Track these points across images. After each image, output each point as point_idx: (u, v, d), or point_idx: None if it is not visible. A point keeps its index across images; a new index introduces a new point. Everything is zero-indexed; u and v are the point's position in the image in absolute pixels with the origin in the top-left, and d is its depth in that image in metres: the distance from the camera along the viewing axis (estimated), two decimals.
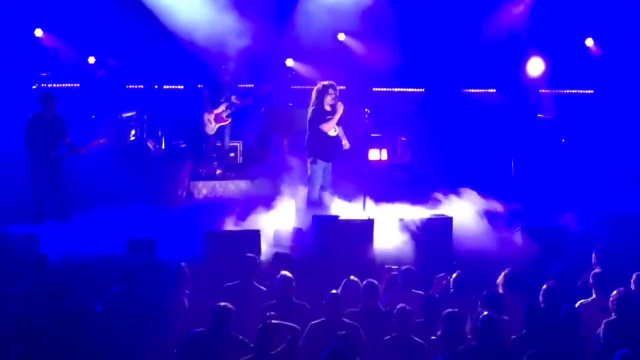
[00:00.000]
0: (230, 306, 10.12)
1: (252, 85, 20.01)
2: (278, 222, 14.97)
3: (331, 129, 15.24)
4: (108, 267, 12.85)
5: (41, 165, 15.40)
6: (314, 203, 15.34)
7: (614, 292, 10.73)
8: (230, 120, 18.54)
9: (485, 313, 9.88)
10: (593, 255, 12.73)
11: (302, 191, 15.65)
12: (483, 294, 10.93)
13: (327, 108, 15.25)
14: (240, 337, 10.03)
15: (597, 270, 11.92)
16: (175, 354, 10.11)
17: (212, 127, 18.35)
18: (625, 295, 10.71)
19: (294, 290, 11.27)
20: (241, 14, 19.01)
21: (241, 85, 19.42)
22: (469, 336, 10.10)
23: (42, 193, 15.56)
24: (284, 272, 11.30)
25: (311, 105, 15.39)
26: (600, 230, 14.97)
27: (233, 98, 18.43)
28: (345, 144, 15.51)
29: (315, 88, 15.44)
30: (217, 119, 18.40)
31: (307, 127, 15.48)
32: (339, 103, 15.22)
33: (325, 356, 8.87)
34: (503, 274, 11.71)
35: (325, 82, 15.39)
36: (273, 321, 9.85)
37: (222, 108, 18.37)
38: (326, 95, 15.25)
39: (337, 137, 15.40)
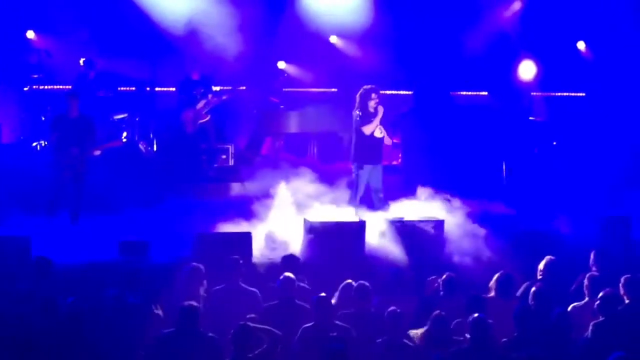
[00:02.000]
0: (197, 305, 10.16)
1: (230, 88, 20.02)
2: (270, 224, 14.96)
3: (373, 130, 15.42)
4: (100, 269, 12.82)
5: (65, 164, 15.37)
6: (356, 207, 15.43)
7: (600, 294, 10.77)
8: (209, 117, 18.63)
9: (476, 315, 9.89)
10: (591, 257, 12.73)
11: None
12: (466, 297, 10.97)
13: (371, 111, 15.45)
14: (210, 334, 10.04)
15: (593, 272, 11.97)
16: (143, 355, 10.10)
17: (192, 126, 18.46)
18: (611, 296, 10.74)
19: (296, 292, 11.28)
20: (233, 15, 19.08)
21: (216, 88, 19.50)
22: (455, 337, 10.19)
23: (61, 190, 15.52)
24: (287, 274, 11.32)
25: (355, 109, 15.56)
26: (592, 233, 15.02)
27: (210, 96, 18.56)
28: (387, 140, 15.68)
29: (359, 93, 15.64)
30: (197, 115, 18.52)
31: (353, 132, 15.63)
32: (380, 106, 15.44)
33: (326, 354, 8.94)
34: (495, 277, 11.74)
35: (368, 87, 15.65)
36: (249, 324, 9.87)
37: (201, 104, 18.52)
38: (370, 99, 15.47)
39: (381, 139, 15.57)
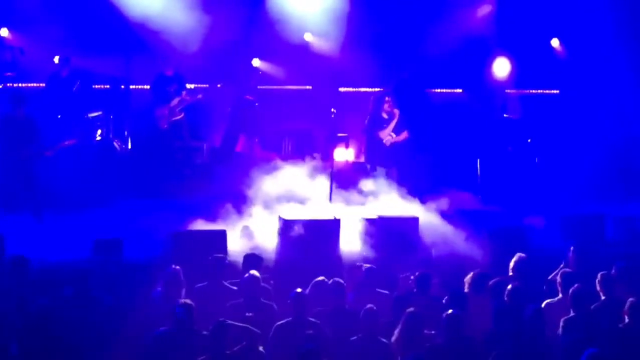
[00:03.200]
0: (191, 302, 10.15)
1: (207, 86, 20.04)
2: (245, 222, 14.95)
3: (387, 136, 15.39)
4: (73, 268, 12.76)
5: (12, 165, 15.31)
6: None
7: (570, 290, 10.84)
8: (183, 115, 18.67)
9: (450, 311, 9.93)
10: (569, 254, 12.78)
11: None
12: (448, 293, 11.00)
13: (384, 116, 15.42)
14: (205, 332, 10.06)
15: (565, 269, 12.03)
16: (141, 353, 10.09)
17: (166, 122, 18.50)
18: (581, 291, 10.80)
19: (262, 290, 11.25)
20: (208, 12, 19.06)
21: (190, 86, 19.52)
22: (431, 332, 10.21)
23: (11, 192, 15.48)
24: (252, 272, 11.28)
25: (368, 113, 15.60)
26: (565, 230, 15.09)
27: (183, 94, 18.60)
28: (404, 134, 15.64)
29: (372, 97, 15.68)
30: (171, 112, 18.54)
31: (363, 133, 15.72)
32: (395, 110, 15.38)
33: (300, 356, 8.93)
34: (471, 274, 11.77)
35: (379, 90, 15.69)
36: (228, 321, 9.86)
37: (175, 101, 18.55)
38: (383, 102, 15.46)
39: (394, 143, 15.57)
